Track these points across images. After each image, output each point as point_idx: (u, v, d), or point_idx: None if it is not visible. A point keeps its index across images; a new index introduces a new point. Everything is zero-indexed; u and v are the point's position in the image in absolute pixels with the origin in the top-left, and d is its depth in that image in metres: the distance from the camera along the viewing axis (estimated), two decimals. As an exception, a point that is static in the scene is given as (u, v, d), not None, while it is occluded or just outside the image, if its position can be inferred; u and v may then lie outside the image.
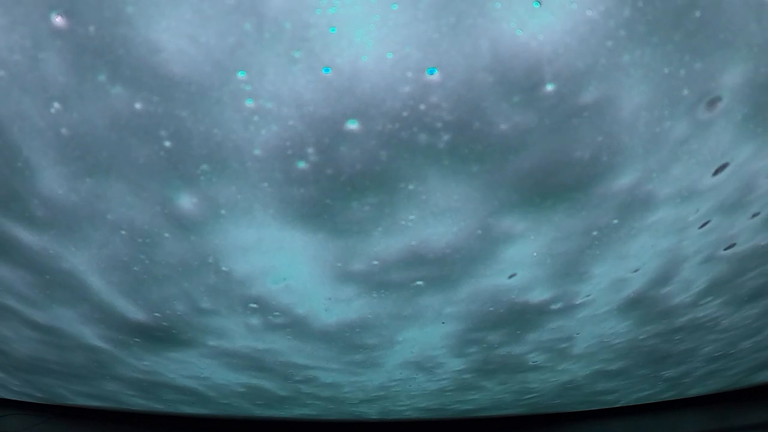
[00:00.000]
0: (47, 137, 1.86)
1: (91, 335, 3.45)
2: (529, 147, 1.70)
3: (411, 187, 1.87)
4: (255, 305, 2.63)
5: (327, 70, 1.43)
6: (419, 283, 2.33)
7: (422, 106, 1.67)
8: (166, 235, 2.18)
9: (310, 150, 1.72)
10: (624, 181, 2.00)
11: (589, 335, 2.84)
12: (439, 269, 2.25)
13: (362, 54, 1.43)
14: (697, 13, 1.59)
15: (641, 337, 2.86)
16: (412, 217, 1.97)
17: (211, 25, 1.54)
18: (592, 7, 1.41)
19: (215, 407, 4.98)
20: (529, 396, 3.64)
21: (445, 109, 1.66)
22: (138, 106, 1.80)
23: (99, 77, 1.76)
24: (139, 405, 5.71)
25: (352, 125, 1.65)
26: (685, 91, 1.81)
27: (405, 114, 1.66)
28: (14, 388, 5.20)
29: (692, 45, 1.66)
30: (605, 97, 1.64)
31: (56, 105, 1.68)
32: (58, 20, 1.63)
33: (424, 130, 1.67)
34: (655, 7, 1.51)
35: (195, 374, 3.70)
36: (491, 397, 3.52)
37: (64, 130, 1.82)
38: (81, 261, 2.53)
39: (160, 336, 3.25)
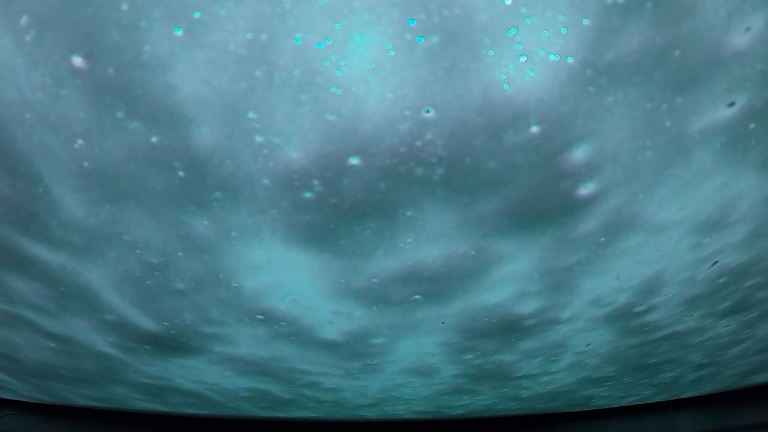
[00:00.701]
0: (69, 168, 2.05)
1: (102, 343, 3.69)
2: (517, 180, 1.91)
3: (409, 213, 2.08)
4: (262, 317, 2.86)
5: (331, 114, 1.61)
6: (416, 297, 2.59)
7: (418, 143, 1.86)
8: (180, 254, 2.39)
9: (316, 182, 1.91)
10: (609, 205, 2.20)
11: (578, 344, 3.17)
12: (435, 285, 2.52)
13: (364, 99, 1.61)
14: (677, 53, 1.76)
15: (625, 346, 3.21)
16: (409, 240, 2.20)
17: (224, 72, 1.71)
18: (573, 55, 1.58)
19: (219, 410, 5.25)
20: (520, 401, 3.98)
21: (440, 145, 1.85)
22: (154, 139, 1.98)
23: (117, 114, 1.93)
24: (143, 406, 5.94)
25: (354, 161, 1.84)
26: (668, 123, 1.99)
27: (402, 150, 1.85)
28: (24, 392, 5.45)
29: (673, 82, 1.83)
30: (589, 132, 1.82)
31: (80, 141, 1.87)
32: (77, 61, 1.79)
33: (420, 164, 1.86)
34: (635, 50, 1.68)
35: (201, 379, 3.97)
36: (485, 400, 3.85)
37: (86, 163, 2.01)
38: (96, 276, 2.75)
39: (170, 344, 3.49)
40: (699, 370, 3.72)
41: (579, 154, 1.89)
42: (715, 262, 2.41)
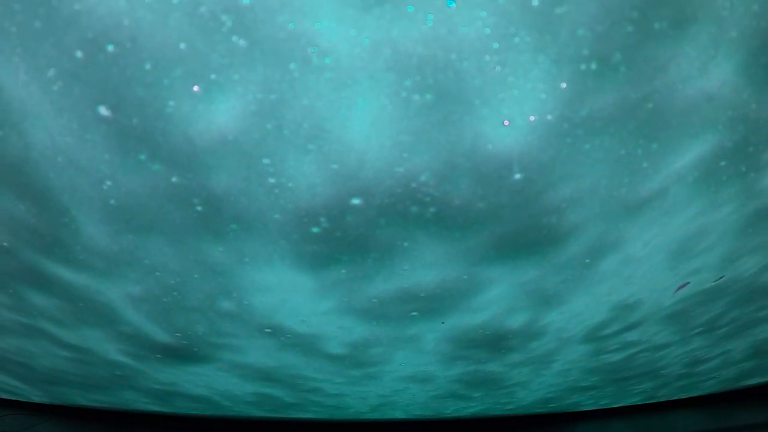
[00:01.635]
0: (96, 204, 2.32)
1: (115, 352, 4.04)
2: (503, 217, 2.18)
3: (405, 245, 2.37)
4: (270, 330, 3.18)
5: (335, 164, 1.86)
6: (414, 313, 2.90)
7: (413, 184, 2.12)
8: (196, 276, 2.68)
9: (322, 219, 2.18)
10: (590, 233, 2.48)
11: (562, 357, 3.54)
12: (430, 303, 2.84)
13: (366, 150, 1.85)
14: (650, 105, 1.99)
15: (605, 357, 3.59)
16: (406, 267, 2.50)
17: (239, 125, 1.94)
18: (551, 113, 1.81)
19: (223, 411, 5.65)
20: (511, 406, 4.40)
21: (432, 186, 2.10)
22: (174, 179, 2.23)
23: (140, 156, 2.18)
24: (144, 407, 6.28)
25: (356, 201, 2.10)
26: (644, 164, 2.24)
27: (399, 190, 2.11)
28: (34, 398, 5.83)
29: (647, 130, 2.07)
30: (569, 175, 2.07)
31: (108, 183, 2.14)
32: (103, 111, 2.02)
33: (414, 203, 2.13)
34: (610, 105, 1.90)
35: (210, 385, 4.34)
36: (477, 406, 4.27)
37: (112, 201, 2.27)
38: (115, 294, 3.05)
39: (181, 353, 3.83)
40: (679, 380, 4.13)
41: (559, 193, 2.15)
42: (686, 283, 2.71)
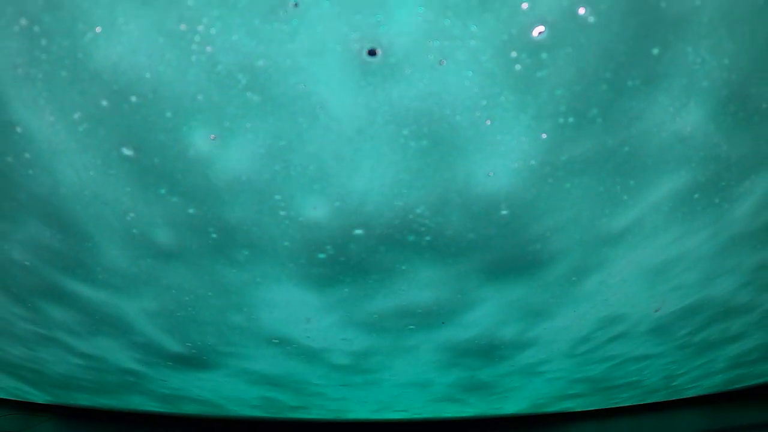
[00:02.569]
0: (118, 233, 2.60)
1: (127, 359, 4.42)
2: (491, 246, 2.48)
3: (403, 268, 2.69)
4: (277, 341, 3.53)
5: (338, 201, 2.13)
6: (411, 327, 3.25)
7: (410, 216, 2.40)
8: (210, 293, 3.01)
9: (328, 246, 2.49)
10: (573, 256, 2.77)
11: (551, 366, 3.93)
12: (426, 318, 3.19)
13: (368, 190, 2.12)
14: (626, 148, 2.26)
15: (590, 367, 3.99)
16: (403, 287, 2.84)
17: (251, 166, 2.20)
18: (533, 159, 2.07)
19: (228, 414, 6.11)
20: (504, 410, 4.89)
21: (427, 218, 2.39)
22: (191, 211, 2.51)
23: (160, 191, 2.45)
24: (146, 408, 6.70)
25: (359, 231, 2.39)
26: (623, 197, 2.51)
27: (397, 222, 2.40)
28: (40, 402, 6.28)
29: (624, 170, 2.34)
30: (551, 209, 2.34)
31: (131, 214, 2.41)
32: (126, 151, 2.27)
33: (411, 232, 2.42)
34: (588, 150, 2.16)
35: (217, 389, 4.78)
36: (474, 409, 4.75)
37: (134, 230, 2.55)
38: (131, 309, 3.39)
39: (191, 361, 4.21)
40: (659, 390, 4.60)
41: (543, 224, 2.44)
42: (660, 308, 3.05)
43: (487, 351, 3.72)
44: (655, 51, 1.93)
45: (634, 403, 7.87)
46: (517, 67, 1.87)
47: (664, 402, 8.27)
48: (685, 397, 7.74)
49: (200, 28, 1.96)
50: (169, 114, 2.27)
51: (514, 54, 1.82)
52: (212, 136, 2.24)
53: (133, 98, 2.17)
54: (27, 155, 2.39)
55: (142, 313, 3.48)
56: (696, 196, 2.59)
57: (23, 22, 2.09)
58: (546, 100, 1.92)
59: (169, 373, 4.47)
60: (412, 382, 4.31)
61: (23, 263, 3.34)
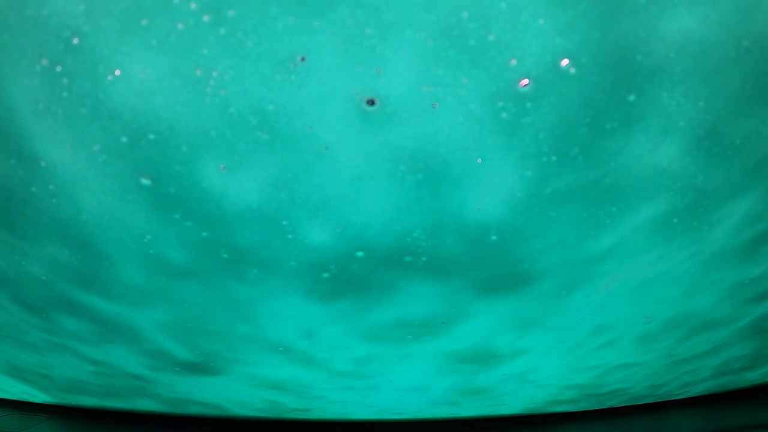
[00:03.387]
0: (135, 253, 2.88)
1: (136, 365, 4.79)
2: (482, 266, 2.77)
3: (401, 284, 2.99)
4: (282, 348, 3.88)
5: (338, 227, 2.40)
6: (409, 336, 3.58)
7: (408, 239, 2.67)
8: (219, 306, 3.31)
9: (332, 266, 2.77)
10: (561, 272, 3.05)
11: (542, 372, 4.30)
12: (423, 329, 3.49)
13: (369, 219, 2.38)
14: (607, 180, 2.51)
15: (580, 373, 4.37)
16: (402, 301, 3.14)
17: (259, 195, 2.46)
18: (520, 191, 2.33)
19: (229, 414, 6.56)
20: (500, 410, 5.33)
21: (423, 240, 2.66)
22: (204, 234, 2.77)
23: (175, 215, 2.72)
24: (146, 408, 7.14)
25: (360, 254, 2.66)
26: (606, 221, 2.77)
27: (396, 244, 2.68)
28: (40, 402, 6.73)
29: (605, 198, 2.61)
30: (539, 233, 2.61)
31: (148, 237, 2.68)
32: (143, 181, 2.52)
33: (409, 254, 2.71)
34: (571, 183, 2.41)
35: (222, 393, 5.19)
36: (468, 411, 5.20)
37: (150, 251, 2.82)
38: (143, 319, 3.71)
39: (198, 367, 4.58)
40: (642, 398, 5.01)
41: (531, 246, 2.72)
42: (650, 320, 3.36)
43: (482, 358, 4.17)
44: (632, 98, 2.17)
45: (634, 404, 8.30)
46: (503, 114, 2.12)
47: (663, 402, 8.69)
48: (684, 397, 8.16)
49: (215, 74, 2.21)
50: (184, 149, 2.53)
51: (500, 104, 2.07)
52: (222, 166, 2.52)
53: (151, 136, 2.43)
54: (51, 187, 2.69)
55: (153, 323, 3.83)
56: (675, 220, 2.88)
57: (44, 62, 2.33)
58: (530, 143, 2.18)
59: (177, 378, 4.88)
60: (410, 387, 4.75)
61: (40, 278, 3.67)
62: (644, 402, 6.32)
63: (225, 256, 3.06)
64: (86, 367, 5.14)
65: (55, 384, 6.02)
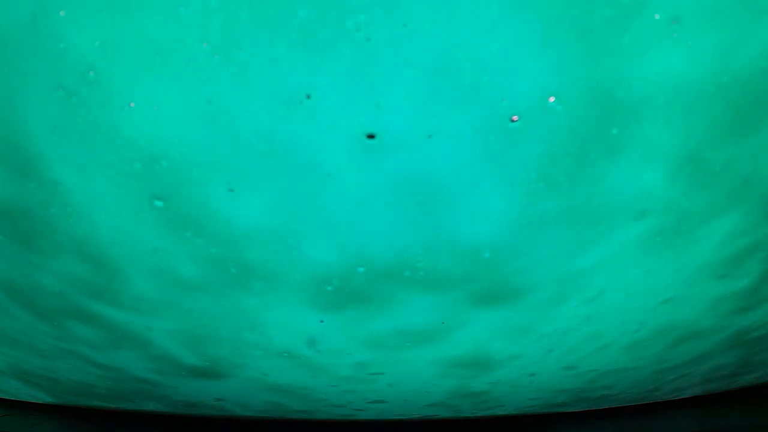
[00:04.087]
0: (148, 267, 3.13)
1: (144, 370, 5.11)
2: (476, 280, 3.02)
3: (400, 296, 3.24)
4: (287, 354, 4.18)
5: (341, 245, 2.66)
6: (408, 344, 3.88)
7: (406, 255, 2.91)
8: (227, 315, 3.58)
9: (335, 280, 3.02)
10: (551, 286, 3.33)
11: (537, 377, 4.64)
12: (422, 337, 3.79)
13: (371, 238, 2.62)
14: (593, 202, 2.82)
15: (573, 378, 4.71)
16: (401, 311, 3.40)
17: (267, 214, 2.68)
18: (511, 212, 2.57)
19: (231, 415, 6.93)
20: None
21: (420, 255, 2.91)
22: (213, 250, 3.02)
23: (186, 233, 2.94)
24: (146, 408, 7.50)
25: (361, 269, 2.91)
26: (595, 238, 3.03)
27: (395, 260, 2.93)
28: (40, 402, 7.09)
29: (592, 219, 2.92)
30: (529, 250, 2.86)
31: (160, 252, 2.93)
32: (157, 203, 2.75)
33: (407, 268, 2.97)
34: (557, 205, 2.64)
35: (226, 396, 5.53)
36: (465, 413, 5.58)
37: (162, 265, 3.08)
38: (153, 327, 3.98)
39: (205, 371, 4.90)
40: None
41: (522, 261, 2.99)
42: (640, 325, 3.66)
43: (477, 363, 4.50)
44: (615, 131, 2.39)
45: (633, 404, 8.67)
46: (495, 146, 2.35)
47: (663, 402, 9.05)
48: (684, 397, 8.51)
49: (226, 107, 2.42)
50: (195, 173, 2.77)
51: (492, 136, 2.30)
52: (231, 188, 2.76)
53: (164, 162, 2.65)
54: (68, 208, 2.92)
55: (162, 331, 4.13)
56: (659, 239, 3.13)
57: (61, 93, 2.55)
58: (519, 171, 2.42)
59: (183, 381, 5.22)
60: (409, 390, 5.09)
61: (54, 289, 3.94)
62: (637, 404, 6.71)
63: (233, 270, 3.33)
64: (94, 371, 5.48)
65: (61, 387, 6.38)
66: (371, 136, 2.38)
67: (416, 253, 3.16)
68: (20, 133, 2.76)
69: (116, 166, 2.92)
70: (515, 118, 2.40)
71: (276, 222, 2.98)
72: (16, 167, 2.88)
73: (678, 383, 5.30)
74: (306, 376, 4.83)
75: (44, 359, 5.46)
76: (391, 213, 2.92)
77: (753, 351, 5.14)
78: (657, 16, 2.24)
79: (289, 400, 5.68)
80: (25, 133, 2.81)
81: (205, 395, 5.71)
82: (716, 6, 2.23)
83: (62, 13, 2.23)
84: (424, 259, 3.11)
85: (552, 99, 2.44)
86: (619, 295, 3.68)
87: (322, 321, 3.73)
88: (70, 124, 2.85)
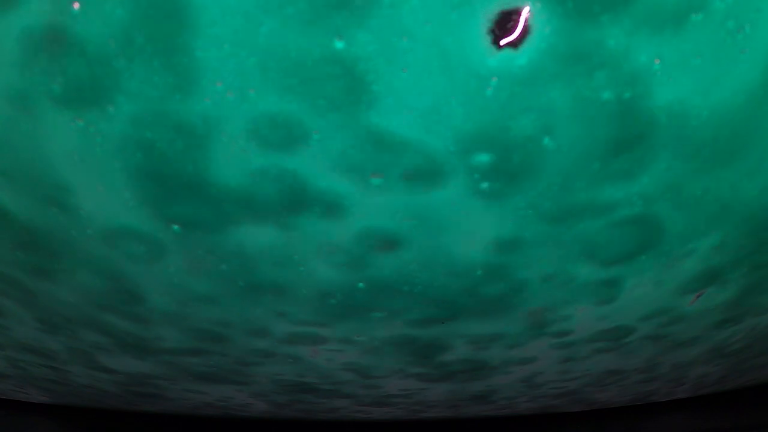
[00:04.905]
0: (164, 283, 3.47)
1: (151, 375, 5.53)
2: (471, 294, 3.35)
3: (400, 308, 3.58)
4: (291, 360, 4.59)
5: (345, 264, 2.99)
6: (406, 350, 4.30)
7: (405, 271, 3.25)
8: (238, 324, 3.96)
9: (338, 294, 3.36)
10: (542, 298, 3.69)
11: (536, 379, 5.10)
12: (420, 343, 4.18)
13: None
14: (580, 226, 3.05)
15: (566, 383, 5.16)
16: (400, 323, 3.76)
17: (273, 236, 2.99)
18: (500, 237, 2.88)
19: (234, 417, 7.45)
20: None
21: (418, 272, 3.25)
22: (223, 267, 3.35)
23: (198, 252, 3.25)
24: (145, 408, 7.97)
25: (361, 285, 3.26)
26: (582, 258, 3.35)
27: (395, 277, 3.26)
28: (40, 402, 7.58)
29: (578, 241, 3.16)
30: (518, 269, 3.19)
31: (176, 280, 3.26)
32: (174, 227, 3.05)
33: (406, 284, 3.35)
34: (547, 229, 2.96)
35: (230, 400, 6.00)
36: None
37: (175, 280, 3.42)
38: (165, 336, 4.36)
39: (212, 376, 5.33)
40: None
41: (512, 278, 3.33)
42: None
43: (474, 369, 4.93)
44: (596, 165, 2.69)
45: (634, 403, 9.15)
46: (484, 185, 2.66)
47: (662, 402, 9.52)
48: (681, 397, 8.98)
49: (239, 142, 2.71)
50: (212, 204, 3.08)
51: (484, 185, 2.60)
52: (242, 220, 3.09)
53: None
54: (89, 231, 3.24)
55: (173, 337, 4.51)
56: (643, 257, 3.47)
57: (80, 122, 2.83)
58: (507, 203, 2.73)
59: (191, 386, 5.68)
60: (410, 394, 5.58)
61: (68, 300, 4.30)
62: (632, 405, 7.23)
63: (241, 284, 3.69)
64: (102, 376, 5.93)
65: (69, 389, 6.87)
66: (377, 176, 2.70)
67: (414, 269, 3.50)
68: (44, 164, 3.07)
69: (134, 192, 3.23)
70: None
71: (281, 240, 3.31)
72: (40, 194, 3.20)
73: (669, 387, 5.79)
74: (309, 379, 5.31)
75: (56, 365, 5.91)
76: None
77: (739, 360, 5.59)
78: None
79: (292, 406, 6.21)
80: (48, 162, 3.11)
81: (209, 398, 6.20)
82: (696, 47, 2.51)
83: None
84: (421, 275, 3.47)
85: (546, 139, 2.76)
86: (600, 309, 4.09)
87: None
88: (89, 153, 3.15)
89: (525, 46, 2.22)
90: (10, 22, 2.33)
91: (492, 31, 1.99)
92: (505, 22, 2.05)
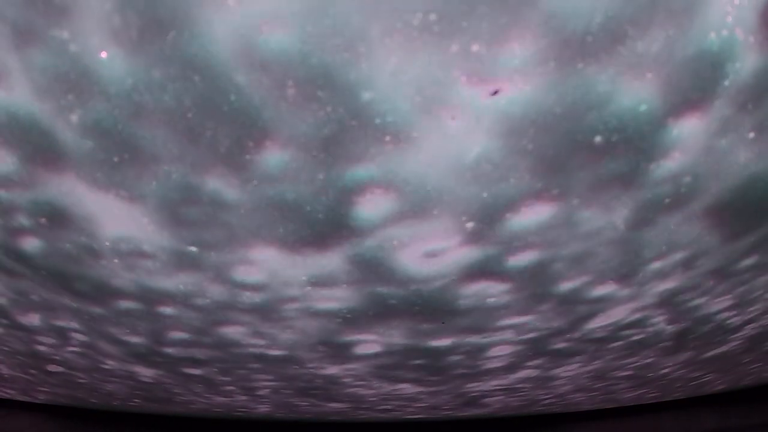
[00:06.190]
0: (180, 301, 4.02)
1: (158, 378, 6.16)
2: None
3: (395, 323, 4.19)
4: (296, 366, 5.23)
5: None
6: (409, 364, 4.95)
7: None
8: (247, 348, 4.58)
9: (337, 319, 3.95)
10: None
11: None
12: (417, 349, 4.83)
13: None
14: (564, 253, 3.61)
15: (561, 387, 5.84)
16: (398, 331, 4.38)
17: (279, 263, 3.53)
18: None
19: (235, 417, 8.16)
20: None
21: (416, 288, 3.82)
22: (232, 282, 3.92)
23: (209, 273, 3.80)
24: (145, 409, 8.58)
25: (347, 314, 3.86)
26: (567, 274, 3.93)
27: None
28: (40, 402, 8.15)
29: (569, 256, 3.72)
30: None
31: (191, 286, 3.81)
32: (192, 248, 3.57)
33: (405, 303, 3.87)
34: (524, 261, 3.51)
35: (233, 404, 6.65)
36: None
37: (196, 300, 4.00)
38: (179, 355, 4.99)
39: (216, 381, 5.98)
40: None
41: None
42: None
43: (471, 374, 5.65)
44: (576, 201, 3.23)
45: (633, 404, 9.82)
46: (469, 225, 3.22)
47: (662, 402, 10.18)
48: (682, 397, 9.66)
49: (255, 183, 3.22)
50: (225, 229, 3.61)
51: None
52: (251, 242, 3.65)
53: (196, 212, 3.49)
54: (116, 260, 3.78)
55: (189, 360, 5.20)
56: (625, 270, 4.08)
57: (90, 143, 3.31)
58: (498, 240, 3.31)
59: (199, 391, 6.35)
60: (409, 397, 6.27)
61: (93, 311, 4.90)
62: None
63: (257, 299, 4.33)
64: (114, 380, 6.61)
65: (79, 390, 7.56)
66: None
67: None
68: (75, 200, 3.54)
69: (154, 219, 3.76)
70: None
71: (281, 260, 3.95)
72: (58, 222, 3.68)
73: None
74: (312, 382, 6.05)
75: (72, 371, 6.57)
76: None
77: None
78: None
79: (294, 412, 6.92)
80: (78, 200, 3.58)
81: (212, 401, 6.88)
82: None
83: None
84: (421, 295, 4.12)
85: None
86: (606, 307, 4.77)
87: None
88: (111, 186, 3.64)
89: None
90: None
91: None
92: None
